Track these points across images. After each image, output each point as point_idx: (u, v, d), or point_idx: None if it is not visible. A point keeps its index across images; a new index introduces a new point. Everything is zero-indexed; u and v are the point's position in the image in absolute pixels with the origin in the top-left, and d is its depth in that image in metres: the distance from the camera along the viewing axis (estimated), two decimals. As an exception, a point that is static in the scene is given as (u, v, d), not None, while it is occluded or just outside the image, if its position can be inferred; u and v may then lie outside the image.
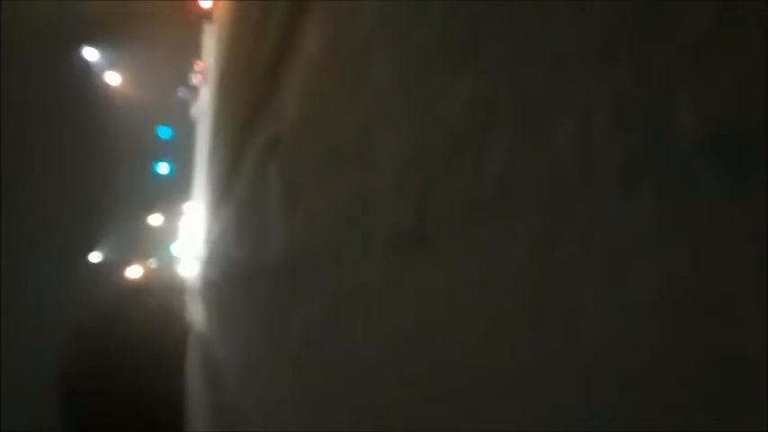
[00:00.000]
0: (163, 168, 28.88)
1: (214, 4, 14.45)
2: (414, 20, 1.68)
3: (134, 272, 27.81)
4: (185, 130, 24.97)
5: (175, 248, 27.13)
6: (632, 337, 0.89)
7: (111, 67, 27.19)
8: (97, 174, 26.39)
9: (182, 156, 25.99)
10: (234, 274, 6.55)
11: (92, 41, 26.34)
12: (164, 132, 29.07)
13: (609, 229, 0.95)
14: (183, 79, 24.88)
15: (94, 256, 27.82)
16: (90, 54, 26.86)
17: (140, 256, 28.22)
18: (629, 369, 0.89)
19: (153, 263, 28.70)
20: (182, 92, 25.66)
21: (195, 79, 21.10)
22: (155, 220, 29.19)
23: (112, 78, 27.28)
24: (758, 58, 0.73)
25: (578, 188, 1.04)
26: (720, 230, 0.77)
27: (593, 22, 1.01)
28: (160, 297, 24.56)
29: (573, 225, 1.04)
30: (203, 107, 17.55)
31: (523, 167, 1.18)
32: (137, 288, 26.40)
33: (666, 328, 0.84)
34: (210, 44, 14.96)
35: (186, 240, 22.38)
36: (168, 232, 27.81)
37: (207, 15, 15.75)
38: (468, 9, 1.39)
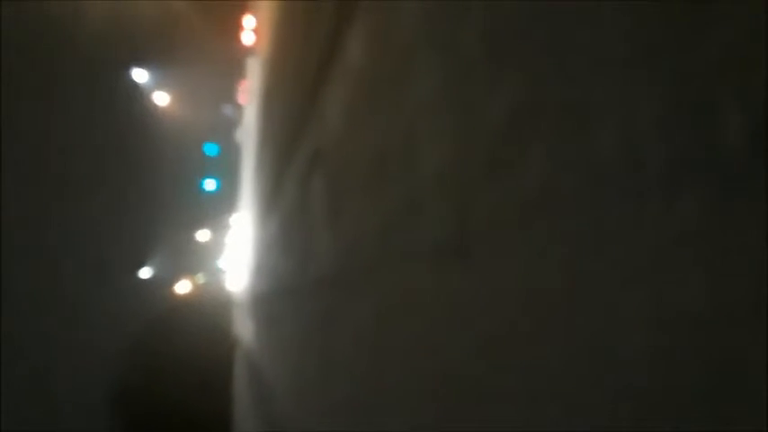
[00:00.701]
0: (210, 185, 29.23)
1: (256, 41, 14.56)
2: (456, 27, 1.69)
3: (182, 287, 28.14)
4: (231, 146, 25.37)
5: (223, 262, 27.39)
6: (682, 350, 0.88)
7: (160, 87, 27.76)
8: (147, 191, 26.84)
9: (228, 172, 26.34)
10: (281, 286, 6.61)
11: (140, 63, 26.94)
12: (210, 150, 29.51)
13: (654, 234, 0.94)
14: (228, 98, 25.25)
15: (144, 272, 28.26)
16: (139, 75, 27.46)
17: (188, 272, 28.54)
18: (681, 372, 0.88)
19: (201, 278, 29.01)
20: (227, 110, 26.03)
21: (240, 98, 21.38)
22: (202, 235, 29.56)
23: (161, 98, 27.85)
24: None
25: (623, 193, 1.03)
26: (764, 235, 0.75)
27: (637, 21, 1.00)
28: (208, 312, 24.81)
29: (617, 231, 1.03)
30: (248, 125, 17.84)
31: (566, 174, 1.18)
32: (185, 303, 26.69)
33: (718, 340, 0.82)
34: (254, 64, 15.13)
35: (233, 254, 22.61)
36: (216, 247, 28.08)
37: (249, 51, 15.96)
38: (510, 15, 1.40)
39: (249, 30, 15.45)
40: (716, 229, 0.83)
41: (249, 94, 16.35)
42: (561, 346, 1.16)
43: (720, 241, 0.82)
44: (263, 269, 9.47)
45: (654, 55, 0.96)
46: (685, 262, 0.88)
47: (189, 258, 28.50)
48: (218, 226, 27.50)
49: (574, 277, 1.13)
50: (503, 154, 1.41)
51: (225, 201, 26.30)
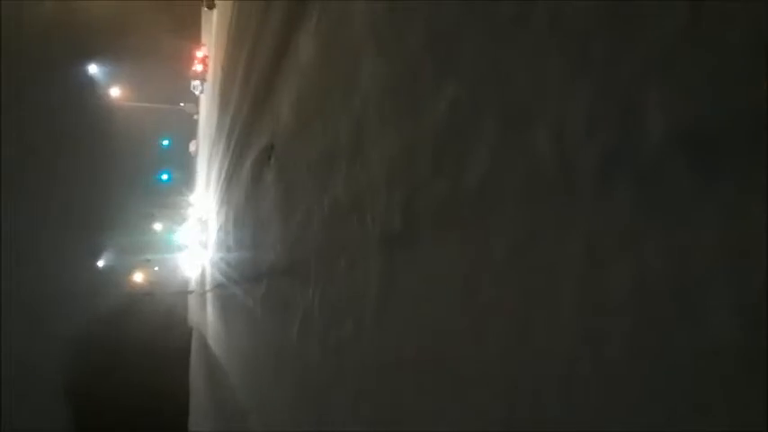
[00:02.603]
0: (165, 177, 28.93)
1: (204, 69, 16.56)
2: (400, 29, 1.73)
3: (138, 276, 27.76)
4: (186, 140, 25.29)
5: (177, 252, 27.07)
6: (609, 327, 0.95)
7: (115, 82, 27.45)
8: (103, 183, 26.57)
9: (183, 164, 26.20)
10: (235, 275, 6.57)
11: (94, 58, 26.62)
12: (165, 143, 29.39)
13: (585, 225, 1.01)
14: (183, 92, 24.95)
15: (101, 262, 27.90)
16: (93, 69, 27.12)
17: (144, 261, 28.17)
18: (608, 355, 0.96)
19: (156, 267, 28.68)
20: (182, 104, 25.68)
21: (195, 90, 21.15)
22: (158, 226, 29.25)
23: (116, 92, 27.55)
24: (725, 61, 0.78)
25: (556, 186, 1.09)
26: (691, 226, 0.82)
27: (569, 28, 1.06)
28: (164, 300, 24.56)
29: (552, 221, 1.09)
30: (202, 121, 17.96)
31: (504, 167, 1.23)
32: (141, 291, 26.33)
33: (641, 317, 0.89)
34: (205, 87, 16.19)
35: (188, 244, 22.36)
36: (172, 238, 27.67)
37: (200, 76, 16.96)
38: (451, 19, 1.44)
39: (200, 59, 16.59)
40: (642, 220, 0.90)
41: (203, 85, 16.93)
42: (507, 327, 1.22)
43: (646, 232, 0.89)
44: (217, 259, 9.40)
45: (584, 60, 1.02)
46: (614, 251, 0.94)
47: (144, 248, 28.11)
48: (174, 217, 27.16)
49: (513, 266, 1.19)
50: (446, 151, 1.46)
51: (180, 192, 26.04)
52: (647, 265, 0.89)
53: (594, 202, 0.99)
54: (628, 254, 0.92)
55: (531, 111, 1.15)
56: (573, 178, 1.05)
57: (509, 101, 1.23)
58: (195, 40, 20.00)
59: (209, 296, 11.84)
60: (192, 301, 20.12)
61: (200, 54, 17.16)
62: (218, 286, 9.39)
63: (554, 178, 1.10)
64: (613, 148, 0.96)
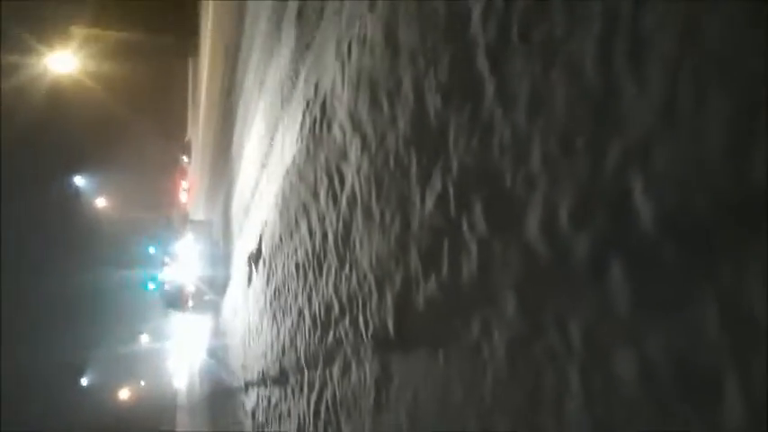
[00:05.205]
0: (151, 285, 28.94)
1: (188, 199, 16.07)
2: (384, 126, 1.75)
3: (125, 392, 27.45)
4: (173, 247, 25.33)
5: (165, 364, 26.68)
6: (618, 421, 0.91)
7: (100, 192, 27.93)
8: (89, 295, 26.56)
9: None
10: (225, 386, 6.50)
11: (81, 169, 27.15)
12: (152, 250, 29.48)
13: (584, 313, 0.98)
14: (168, 200, 25.28)
15: (86, 380, 27.60)
16: (79, 181, 27.64)
17: (131, 376, 27.89)
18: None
19: (143, 382, 28.39)
20: (171, 217, 26.03)
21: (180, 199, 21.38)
22: (145, 338, 29.07)
23: (101, 202, 28.00)
24: (705, 145, 0.78)
25: (551, 276, 1.06)
26: (688, 309, 0.80)
27: (553, 119, 1.06)
28: (152, 416, 24.26)
29: (550, 313, 1.06)
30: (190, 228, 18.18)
31: (498, 260, 1.21)
32: (128, 408, 25.99)
33: (649, 408, 0.85)
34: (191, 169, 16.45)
35: (177, 356, 22.12)
36: (158, 350, 27.45)
37: (184, 208, 17.37)
38: (435, 112, 1.45)
39: (184, 190, 16.96)
40: (641, 308, 0.87)
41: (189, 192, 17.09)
42: (513, 426, 1.18)
43: (646, 320, 0.86)
44: (206, 369, 9.31)
45: (569, 149, 1.02)
46: (616, 341, 0.91)
47: (131, 362, 27.87)
48: (161, 327, 27.00)
49: (515, 363, 1.16)
50: (436, 243, 1.44)
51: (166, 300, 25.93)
52: (650, 354, 0.86)
53: (591, 291, 0.97)
54: (629, 343, 0.89)
55: (520, 202, 1.14)
56: (567, 269, 1.02)
57: (496, 192, 1.22)
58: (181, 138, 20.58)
59: (198, 410, 11.68)
60: (182, 416, 19.78)
61: (185, 185, 17.37)
62: (207, 400, 9.27)
63: (548, 269, 1.07)
64: (605, 237, 0.95)
